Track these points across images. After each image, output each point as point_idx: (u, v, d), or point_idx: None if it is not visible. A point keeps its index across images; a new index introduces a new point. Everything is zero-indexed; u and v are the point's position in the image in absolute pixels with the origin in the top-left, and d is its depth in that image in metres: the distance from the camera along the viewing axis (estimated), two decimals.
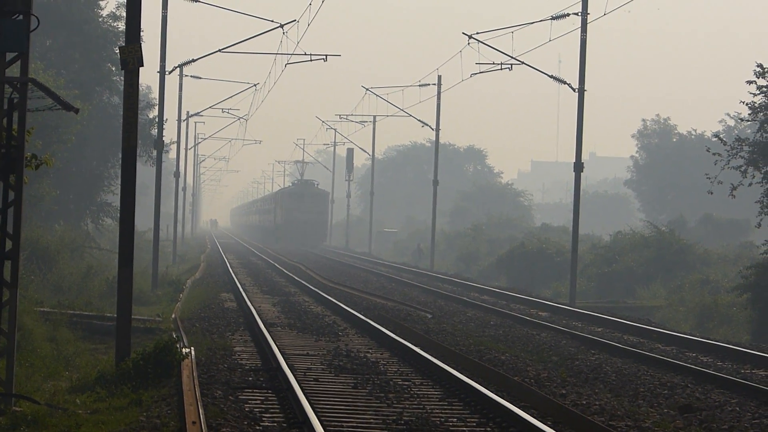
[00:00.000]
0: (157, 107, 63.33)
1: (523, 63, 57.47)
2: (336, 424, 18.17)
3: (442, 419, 18.92)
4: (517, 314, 40.91)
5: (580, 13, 53.76)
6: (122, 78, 25.36)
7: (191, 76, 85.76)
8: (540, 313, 43.30)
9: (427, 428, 18.03)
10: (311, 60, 64.85)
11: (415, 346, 27.61)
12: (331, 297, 43.68)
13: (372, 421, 18.69)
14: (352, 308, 38.33)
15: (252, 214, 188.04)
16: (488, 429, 18.21)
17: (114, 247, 32.68)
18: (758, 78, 48.64)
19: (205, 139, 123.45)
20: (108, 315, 33.12)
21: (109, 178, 70.72)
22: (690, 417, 20.14)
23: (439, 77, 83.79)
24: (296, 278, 57.18)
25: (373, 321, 33.86)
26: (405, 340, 28.86)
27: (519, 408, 18.80)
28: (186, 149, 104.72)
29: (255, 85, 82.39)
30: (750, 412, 20.84)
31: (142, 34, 25.48)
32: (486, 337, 32.39)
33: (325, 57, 64.45)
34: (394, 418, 18.93)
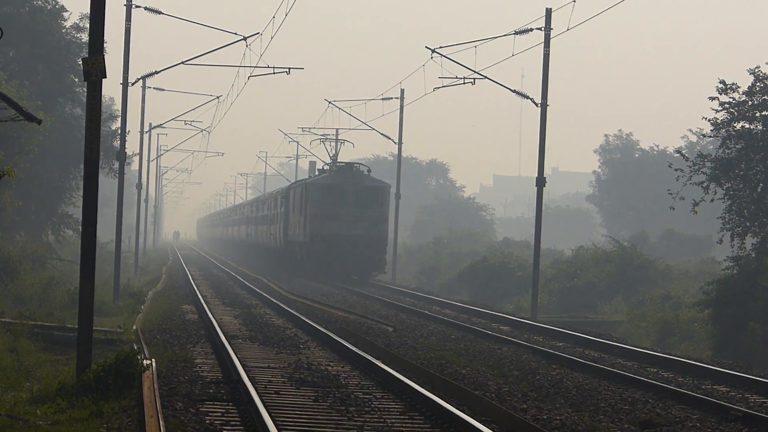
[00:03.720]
0: (119, 119, 63.03)
1: (486, 77, 57.58)
2: None
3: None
4: (478, 328, 40.96)
5: (543, 29, 54.00)
6: (85, 89, 25.38)
7: (154, 88, 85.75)
8: (501, 328, 43.38)
9: None
10: (274, 73, 64.80)
11: (377, 359, 27.62)
12: (293, 309, 43.68)
13: None
14: (313, 321, 38.33)
15: (233, 225, 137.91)
16: None
17: (75, 258, 32.70)
18: (721, 94, 48.86)
19: (168, 150, 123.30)
20: (69, 326, 33.06)
21: (70, 190, 70.79)
22: None
23: (402, 91, 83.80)
24: (258, 290, 57.18)
25: (334, 334, 33.86)
26: (366, 353, 28.86)
27: (480, 422, 18.84)
28: (148, 161, 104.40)
29: (218, 97, 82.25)
30: (711, 428, 20.96)
31: (105, 45, 25.48)
32: (447, 351, 32.42)
33: (288, 70, 64.45)
34: (355, 431, 18.95)
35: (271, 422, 17.98)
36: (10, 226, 56.53)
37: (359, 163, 73.59)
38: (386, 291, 64.92)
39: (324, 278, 68.83)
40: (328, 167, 77.56)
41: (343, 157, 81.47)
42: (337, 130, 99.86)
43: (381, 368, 25.94)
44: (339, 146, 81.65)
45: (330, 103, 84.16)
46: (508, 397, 23.67)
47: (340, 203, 70.16)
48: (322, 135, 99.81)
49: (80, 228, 26.08)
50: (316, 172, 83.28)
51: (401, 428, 19.44)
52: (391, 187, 74.54)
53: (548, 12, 54.11)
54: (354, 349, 29.81)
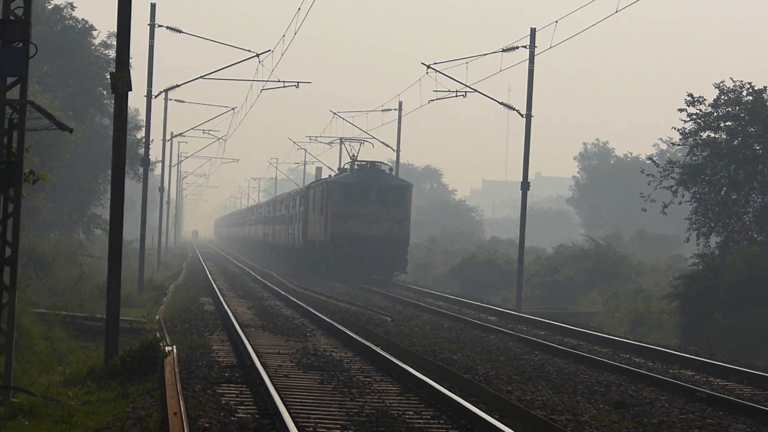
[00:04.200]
0: (144, 128, 63.32)
1: (476, 91, 57.64)
2: (304, 416, 18.18)
3: (400, 412, 18.96)
4: (468, 318, 40.98)
5: (528, 47, 54.09)
6: (112, 101, 25.38)
7: (175, 100, 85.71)
8: (489, 318, 43.40)
9: (386, 420, 18.06)
10: (284, 86, 64.83)
11: (376, 346, 27.62)
12: (301, 301, 43.66)
13: (336, 413, 18.72)
14: (319, 312, 38.32)
15: (251, 225, 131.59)
16: (441, 422, 18.26)
17: (104, 254, 32.67)
18: (689, 106, 48.95)
19: (188, 157, 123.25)
20: (98, 316, 33.05)
21: (99, 193, 70.87)
22: (623, 412, 20.23)
23: (400, 103, 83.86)
24: (269, 284, 57.12)
25: (338, 323, 33.85)
26: (367, 340, 28.87)
27: (469, 403, 18.84)
28: (170, 167, 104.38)
29: (233, 108, 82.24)
30: (678, 408, 20.96)
31: (131, 61, 25.47)
32: (440, 339, 32.41)
33: (297, 84, 64.44)
34: (357, 410, 18.96)
35: (281, 402, 18.00)
36: (44, 225, 56.49)
37: (381, 162, 66.17)
38: (384, 285, 64.96)
39: (345, 278, 61.75)
40: (348, 167, 69.91)
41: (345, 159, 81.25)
42: (341, 138, 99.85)
43: (380, 354, 25.95)
44: (360, 147, 74.17)
45: (335, 114, 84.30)
46: (495, 380, 23.68)
47: (362, 202, 62.87)
48: (334, 139, 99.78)
49: (108, 227, 26.05)
50: (330, 175, 76.01)
51: (398, 408, 19.45)
52: (413, 186, 67.01)
53: (532, 32, 54.19)
54: (356, 337, 29.80)
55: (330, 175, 69.22)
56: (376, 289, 55.37)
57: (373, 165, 65.29)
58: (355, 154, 71.15)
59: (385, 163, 65.48)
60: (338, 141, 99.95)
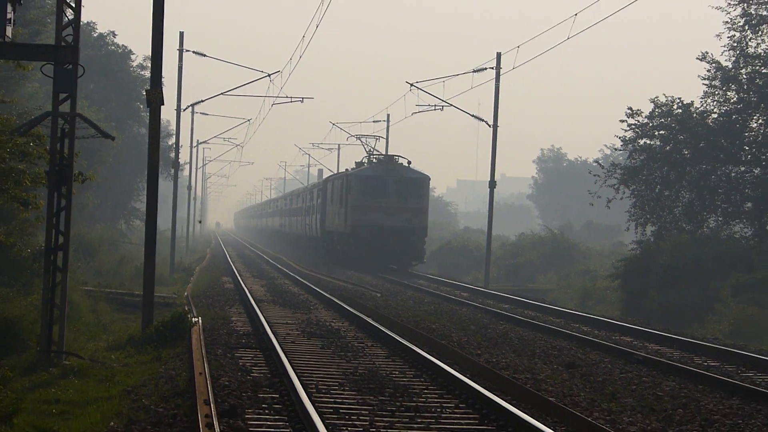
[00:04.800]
0: (174, 136, 63.46)
1: (451, 105, 57.68)
2: (308, 375, 18.23)
3: (388, 372, 19.01)
4: (445, 294, 41.02)
5: (494, 68, 54.18)
6: (148, 114, 25.36)
7: (200, 113, 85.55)
8: (462, 294, 43.40)
9: (377, 378, 18.11)
10: (291, 101, 64.96)
11: (368, 317, 27.69)
12: (305, 281, 43.71)
13: (335, 373, 18.76)
14: (320, 289, 38.34)
15: (268, 217, 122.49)
16: (422, 380, 18.29)
17: (141, 241, 32.68)
18: (628, 118, 49.19)
19: (211, 161, 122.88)
20: (136, 293, 33.11)
21: (137, 190, 71.19)
22: (573, 371, 20.31)
23: (388, 116, 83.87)
24: (279, 266, 57.15)
25: (336, 299, 33.89)
26: (360, 313, 28.93)
27: (445, 364, 18.90)
28: (196, 168, 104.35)
29: (248, 120, 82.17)
30: (618, 368, 21.04)
31: (162, 80, 25.48)
32: (421, 311, 32.47)
33: (302, 99, 64.57)
34: (352, 371, 19.01)
35: (288, 364, 18.04)
36: (91, 218, 56.57)
37: (399, 156, 58.72)
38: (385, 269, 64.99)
39: (363, 267, 55.27)
40: (366, 161, 61.70)
41: (344, 165, 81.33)
42: (339, 145, 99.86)
43: (371, 324, 26.00)
44: (375, 142, 66.79)
45: (333, 124, 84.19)
46: (466, 345, 23.74)
47: (381, 194, 55.78)
48: (333, 146, 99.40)
49: (145, 219, 26.05)
50: (347, 169, 66.04)
51: (386, 369, 19.49)
52: (430, 179, 58.84)
53: (498, 55, 54.37)
54: (351, 309, 29.84)
55: (347, 169, 62.15)
56: (367, 270, 55.29)
57: (391, 158, 58.49)
58: (372, 149, 64.90)
59: (403, 156, 58.43)
60: (336, 147, 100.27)
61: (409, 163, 57.63)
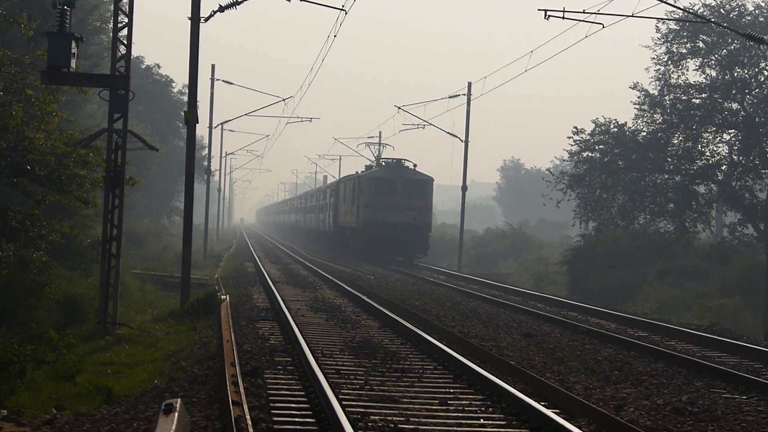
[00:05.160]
0: (207, 148, 63.37)
1: (431, 124, 57.59)
2: (315, 342, 18.19)
3: (379, 340, 18.98)
4: (425, 277, 40.98)
5: (466, 95, 54.18)
6: (186, 130, 25.32)
7: (228, 129, 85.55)
8: (439, 277, 43.41)
9: (371, 345, 18.07)
10: (301, 121, 64.79)
11: (363, 295, 27.64)
12: (313, 266, 43.62)
13: (336, 340, 18.72)
14: (325, 272, 38.31)
15: (285, 214, 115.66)
16: (407, 346, 18.26)
17: (180, 234, 32.61)
18: (574, 135, 49.35)
19: (236, 168, 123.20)
20: (176, 275, 33.05)
21: (177, 192, 71.26)
22: (530, 340, 20.30)
23: (380, 132, 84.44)
24: (292, 255, 57.07)
25: (338, 280, 33.85)
26: (357, 292, 28.88)
27: (426, 333, 18.88)
28: (224, 174, 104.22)
29: (267, 135, 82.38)
30: (566, 338, 21.04)
31: (197, 102, 25.42)
32: (406, 291, 32.43)
33: (310, 119, 64.32)
34: (350, 339, 18.98)
35: (299, 333, 18.00)
36: (139, 214, 56.52)
37: (406, 159, 54.12)
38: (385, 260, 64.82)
39: (372, 259, 51.27)
40: (374, 165, 57.58)
41: (345, 173, 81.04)
42: (340, 156, 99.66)
43: (366, 301, 25.94)
44: (382, 148, 62.10)
45: (336, 139, 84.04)
46: (443, 318, 23.70)
47: (390, 194, 51.22)
48: (335, 157, 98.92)
49: (183, 215, 26.02)
50: (357, 172, 59.42)
51: (378, 336, 19.46)
52: (434, 180, 53.96)
53: (469, 84, 54.41)
54: (350, 289, 29.77)
55: (357, 172, 57.74)
56: (371, 260, 55.15)
57: (399, 162, 53.91)
58: (379, 154, 60.58)
59: (409, 160, 53.85)
60: (338, 158, 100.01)
61: (415, 166, 53.71)
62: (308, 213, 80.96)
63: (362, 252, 52.70)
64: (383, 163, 54.32)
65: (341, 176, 74.48)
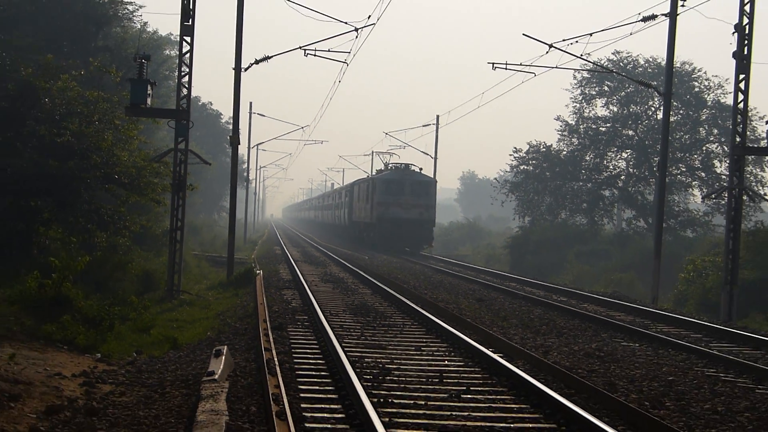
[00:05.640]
0: (246, 163, 63.22)
1: (410, 145, 58.27)
2: (324, 304, 18.14)
3: (372, 303, 18.94)
4: (405, 258, 40.88)
5: (435, 125, 54.09)
6: (230, 150, 25.24)
7: (261, 149, 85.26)
8: (415, 258, 43.36)
9: (365, 306, 18.02)
10: (315, 143, 64.89)
11: (360, 270, 27.56)
12: (324, 249, 43.51)
13: (340, 303, 18.66)
14: (332, 254, 38.24)
15: (306, 210, 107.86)
16: (392, 308, 18.22)
17: (227, 225, 32.64)
18: (514, 153, 49.37)
19: (267, 178, 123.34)
20: (223, 256, 33.00)
21: (224, 195, 71.09)
22: (481, 303, 20.27)
23: (373, 152, 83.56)
24: (310, 242, 56.86)
25: (341, 259, 33.77)
26: (356, 268, 28.79)
27: (405, 298, 18.87)
28: (259, 182, 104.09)
29: (290, 153, 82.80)
30: (508, 302, 21.00)
31: (239, 129, 25.36)
32: (391, 268, 32.31)
33: (321, 141, 64.70)
34: (350, 302, 18.92)
35: (313, 298, 17.96)
36: (196, 211, 56.44)
37: (413, 164, 47.79)
38: (365, 244, 64.52)
39: (384, 250, 45.15)
40: (384, 168, 49.65)
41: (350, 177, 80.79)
42: (343, 169, 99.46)
43: (362, 275, 25.81)
44: (390, 157, 53.20)
45: (340, 156, 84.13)
46: (417, 288, 23.60)
47: (399, 193, 45.03)
48: (340, 170, 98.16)
49: (228, 212, 25.96)
50: (369, 174, 55.50)
51: (371, 301, 19.39)
52: (437, 182, 47.44)
53: (437, 117, 54.23)
54: (350, 266, 29.65)
55: (368, 175, 51.70)
56: (377, 249, 55.07)
57: (407, 166, 47.79)
58: (388, 161, 52.15)
59: (415, 165, 47.93)
60: (342, 170, 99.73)
61: (420, 169, 47.93)
62: (325, 210, 76.08)
63: (375, 243, 46.98)
64: (392, 168, 48.75)
65: (344, 183, 73.87)
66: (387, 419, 8.16)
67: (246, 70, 24.64)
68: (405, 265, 35.06)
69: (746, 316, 23.16)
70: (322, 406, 8.67)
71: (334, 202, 68.97)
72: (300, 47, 26.50)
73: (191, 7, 21.03)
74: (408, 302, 18.02)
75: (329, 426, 7.92)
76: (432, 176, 47.17)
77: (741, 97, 22.60)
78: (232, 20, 24.33)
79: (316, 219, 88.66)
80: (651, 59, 46.94)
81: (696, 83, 46.56)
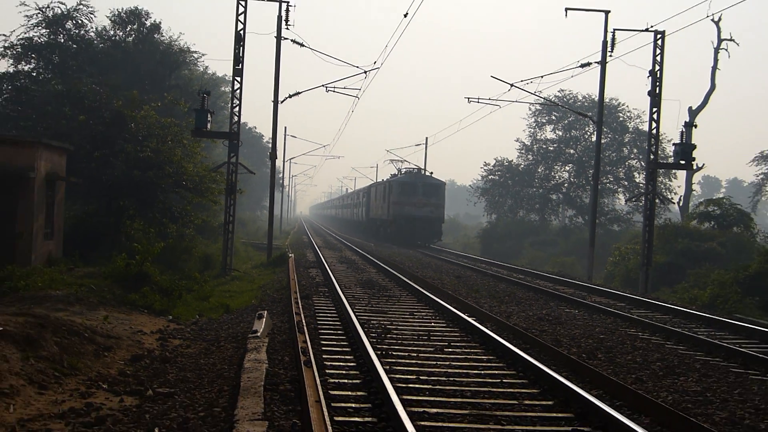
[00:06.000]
0: (281, 173, 62.97)
1: (406, 161, 56.67)
2: (340, 279, 18.04)
3: (377, 279, 18.81)
4: (399, 245, 40.73)
5: (424, 145, 53.86)
6: (270, 163, 25.17)
7: (294, 163, 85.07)
8: (406, 246, 43.18)
9: (372, 282, 17.96)
10: (333, 158, 64.68)
11: (369, 254, 27.41)
12: (341, 239, 43.32)
13: (353, 279, 18.55)
14: (347, 242, 38.06)
15: (328, 209, 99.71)
16: (393, 283, 18.15)
17: (266, 220, 32.57)
18: (484, 166, 49.10)
19: (297, 184, 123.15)
20: (264, 243, 32.83)
21: (264, 197, 70.58)
22: (459, 280, 20.14)
23: (377, 165, 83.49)
24: (331, 233, 56.68)
25: (354, 246, 33.58)
26: (365, 252, 28.68)
27: (402, 275, 18.78)
28: (291, 188, 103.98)
29: (315, 166, 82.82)
30: (479, 278, 20.87)
31: (277, 147, 25.29)
32: (392, 253, 32.06)
33: (339, 156, 64.38)
34: (360, 278, 18.81)
35: (331, 273, 17.89)
36: (243, 209, 56.29)
37: (424, 168, 42.85)
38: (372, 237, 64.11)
39: (399, 244, 39.59)
40: (398, 173, 44.49)
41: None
42: (355, 178, 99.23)
43: (369, 258, 25.57)
44: (402, 164, 47.48)
45: (353, 168, 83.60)
46: (411, 269, 23.35)
47: (413, 194, 39.47)
48: (352, 179, 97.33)
49: (268, 210, 25.90)
50: (384, 178, 48.09)
51: (376, 277, 19.28)
52: (446, 184, 41.19)
53: (426, 139, 53.89)
54: (360, 251, 29.53)
55: (383, 179, 46.71)
56: (368, 237, 54.81)
57: (419, 170, 42.83)
58: (401, 168, 46.50)
59: (426, 169, 42.95)
60: (354, 179, 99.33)
61: (431, 173, 42.51)
62: (345, 209, 71.28)
63: (391, 238, 41.94)
64: (406, 171, 44.02)
65: (356, 188, 72.74)
66: (388, 367, 8.18)
67: (282, 102, 24.59)
68: (400, 250, 34.91)
69: (658, 290, 23.26)
70: (339, 357, 8.67)
71: (352, 201, 64.78)
72: (322, 85, 26.43)
73: (241, 55, 21.01)
74: (403, 278, 17.96)
75: (344, 372, 7.94)
76: (442, 180, 42.57)
77: (654, 125, 23.02)
78: (271, 65, 24.34)
79: (336, 216, 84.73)
80: (587, 96, 46.98)
81: (621, 114, 46.57)
